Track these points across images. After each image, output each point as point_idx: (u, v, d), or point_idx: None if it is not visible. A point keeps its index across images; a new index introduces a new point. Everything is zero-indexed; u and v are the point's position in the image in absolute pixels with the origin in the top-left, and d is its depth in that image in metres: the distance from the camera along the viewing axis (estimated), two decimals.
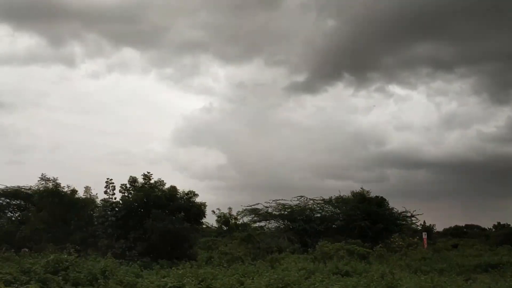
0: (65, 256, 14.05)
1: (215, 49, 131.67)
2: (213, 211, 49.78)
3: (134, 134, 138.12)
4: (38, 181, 23.31)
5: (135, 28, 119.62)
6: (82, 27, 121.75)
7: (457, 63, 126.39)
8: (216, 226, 38.40)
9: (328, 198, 35.40)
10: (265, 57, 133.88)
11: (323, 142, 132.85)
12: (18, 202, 28.39)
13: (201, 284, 12.17)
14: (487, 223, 61.39)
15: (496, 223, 57.53)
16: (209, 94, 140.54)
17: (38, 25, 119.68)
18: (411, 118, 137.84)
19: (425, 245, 30.59)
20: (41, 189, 23.28)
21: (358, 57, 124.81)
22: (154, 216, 19.85)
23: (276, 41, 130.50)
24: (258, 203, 36.08)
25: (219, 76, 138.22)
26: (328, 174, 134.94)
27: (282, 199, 35.15)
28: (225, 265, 16.81)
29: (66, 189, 23.41)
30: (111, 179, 21.28)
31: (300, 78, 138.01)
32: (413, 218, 36.68)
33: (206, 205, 22.50)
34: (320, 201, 35.40)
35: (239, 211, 35.10)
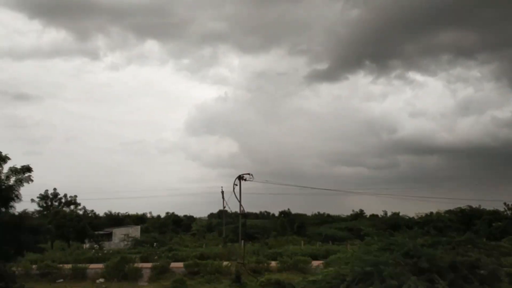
0: None
1: (235, 40, 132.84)
2: None
3: (148, 124, 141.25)
4: None
5: (161, 21, 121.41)
6: (109, 21, 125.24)
7: (478, 50, 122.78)
8: None
9: None
10: (287, 47, 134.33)
11: (336, 130, 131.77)
12: None
13: None
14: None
15: None
16: (225, 84, 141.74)
17: (67, 21, 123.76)
18: (427, 104, 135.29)
19: None
20: None
21: (380, 45, 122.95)
22: None
23: (299, 30, 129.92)
24: None
25: (236, 66, 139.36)
26: (340, 161, 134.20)
27: None
28: None
29: None
30: None
31: (322, 66, 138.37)
32: None
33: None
34: None
35: None
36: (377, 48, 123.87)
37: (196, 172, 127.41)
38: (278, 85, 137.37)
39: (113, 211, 68.92)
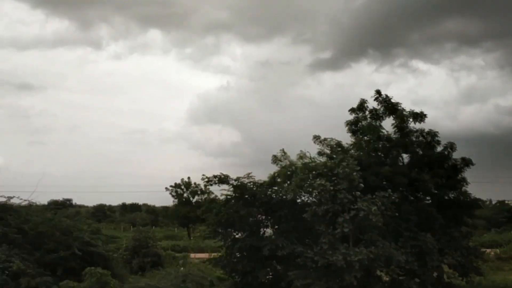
0: None
1: (238, 29, 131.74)
2: None
3: (150, 114, 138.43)
4: None
5: (164, 10, 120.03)
6: (113, 10, 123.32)
7: (483, 38, 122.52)
8: None
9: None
10: (290, 36, 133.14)
11: (338, 119, 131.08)
12: None
13: None
14: (504, 196, 58.69)
15: None
16: (228, 73, 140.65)
17: (70, 10, 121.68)
18: (430, 93, 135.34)
19: None
20: None
21: (384, 33, 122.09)
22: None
23: (303, 19, 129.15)
24: None
25: (238, 55, 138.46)
26: None
27: None
28: None
29: None
30: None
31: (325, 55, 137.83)
32: None
33: None
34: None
35: None
36: (381, 36, 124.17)
37: (198, 161, 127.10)
38: (281, 74, 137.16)
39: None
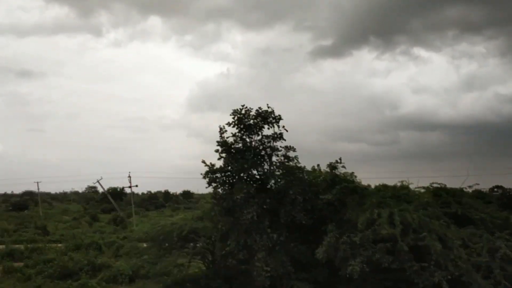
0: None
1: (238, 16, 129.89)
2: None
3: (149, 101, 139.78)
4: None
5: None
6: None
7: (485, 25, 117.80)
8: None
9: None
10: (291, 23, 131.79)
11: (338, 106, 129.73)
12: None
13: None
14: (504, 183, 58.79)
15: None
16: (228, 61, 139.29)
17: None
18: (430, 80, 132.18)
19: None
20: None
21: (386, 20, 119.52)
22: None
23: (304, 6, 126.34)
24: None
25: (239, 42, 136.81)
26: (341, 137, 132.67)
27: None
28: None
29: None
30: None
31: (326, 42, 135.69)
32: None
33: None
34: None
35: None
36: (383, 23, 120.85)
37: (197, 149, 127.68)
38: (282, 62, 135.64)
39: None
